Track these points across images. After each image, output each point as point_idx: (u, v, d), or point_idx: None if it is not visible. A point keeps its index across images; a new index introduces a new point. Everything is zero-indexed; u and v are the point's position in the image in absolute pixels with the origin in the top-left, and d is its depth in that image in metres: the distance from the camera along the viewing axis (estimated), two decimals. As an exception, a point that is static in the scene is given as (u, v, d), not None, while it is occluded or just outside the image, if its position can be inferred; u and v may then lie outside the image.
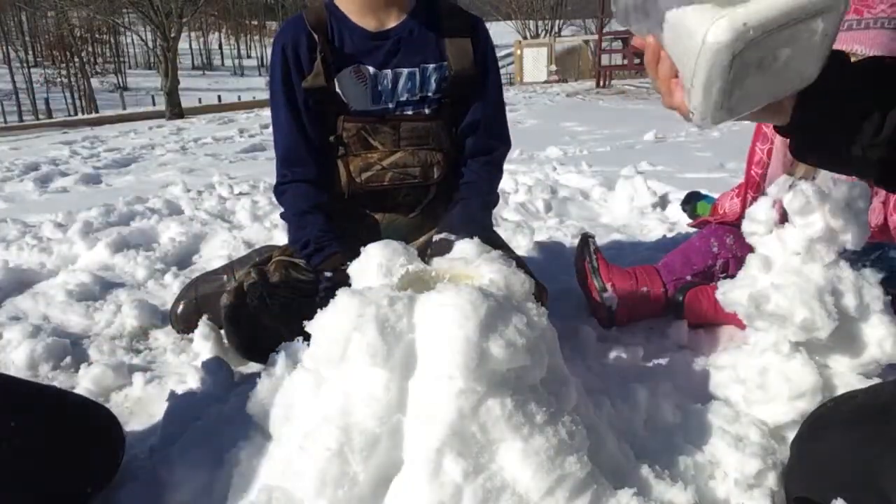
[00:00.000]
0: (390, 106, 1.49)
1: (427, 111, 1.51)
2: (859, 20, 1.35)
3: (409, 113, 1.50)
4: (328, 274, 1.41)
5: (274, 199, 1.66)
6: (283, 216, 1.59)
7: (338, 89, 1.46)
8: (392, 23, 1.48)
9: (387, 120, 1.49)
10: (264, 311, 1.43)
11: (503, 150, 1.63)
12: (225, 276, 1.78)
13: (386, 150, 1.50)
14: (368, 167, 1.51)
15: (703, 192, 2.37)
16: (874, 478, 0.83)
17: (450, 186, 1.60)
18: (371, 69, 1.46)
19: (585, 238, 1.83)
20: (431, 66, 1.48)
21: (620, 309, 1.70)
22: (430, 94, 1.50)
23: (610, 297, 1.70)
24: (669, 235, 2.54)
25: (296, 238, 1.50)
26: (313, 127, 1.50)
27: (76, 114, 27.64)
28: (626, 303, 1.71)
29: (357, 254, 1.11)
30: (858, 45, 1.33)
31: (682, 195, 3.09)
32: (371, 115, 1.49)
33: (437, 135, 1.53)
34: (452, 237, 1.37)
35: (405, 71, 1.47)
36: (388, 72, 1.47)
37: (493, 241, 1.66)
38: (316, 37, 1.44)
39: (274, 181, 1.57)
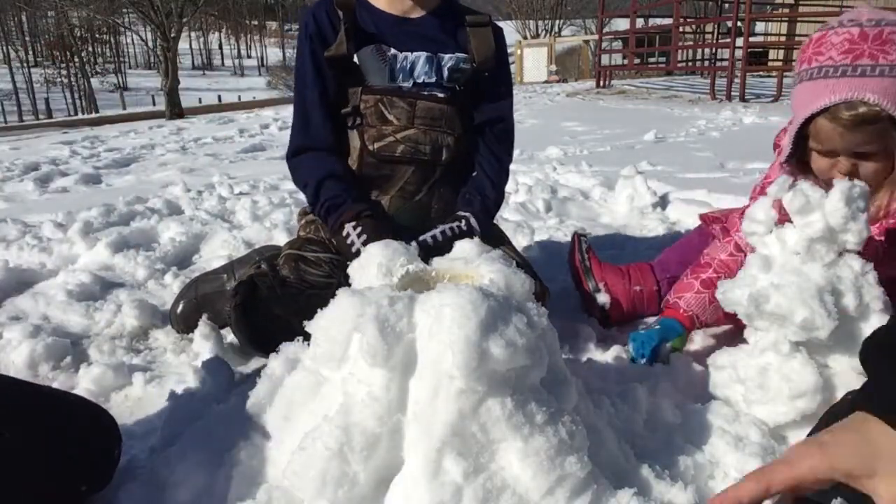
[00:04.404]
0: (407, 85, 1.57)
1: (440, 95, 1.59)
2: (873, 66, 1.19)
3: (425, 93, 1.58)
4: (350, 229, 1.47)
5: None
6: (298, 184, 1.65)
7: (357, 63, 1.55)
8: (416, 14, 1.59)
9: (404, 96, 1.56)
10: (275, 300, 1.44)
11: (511, 146, 1.78)
12: (225, 276, 1.79)
13: (400, 124, 1.57)
14: (382, 137, 1.58)
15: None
16: None
17: (457, 170, 1.66)
18: (392, 50, 1.55)
19: (577, 236, 1.82)
20: (447, 55, 1.58)
21: (613, 307, 1.70)
22: (443, 81, 1.58)
23: (603, 295, 1.70)
24: (669, 235, 2.54)
25: (313, 203, 1.58)
26: (332, 98, 1.58)
27: (76, 114, 27.64)
28: (620, 301, 1.70)
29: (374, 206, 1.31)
30: (871, 93, 1.17)
31: (682, 195, 3.10)
32: (388, 91, 1.57)
33: (451, 119, 1.60)
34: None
35: (423, 55, 1.57)
36: (409, 54, 1.56)
37: (499, 238, 1.69)
38: (341, 14, 1.53)
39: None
